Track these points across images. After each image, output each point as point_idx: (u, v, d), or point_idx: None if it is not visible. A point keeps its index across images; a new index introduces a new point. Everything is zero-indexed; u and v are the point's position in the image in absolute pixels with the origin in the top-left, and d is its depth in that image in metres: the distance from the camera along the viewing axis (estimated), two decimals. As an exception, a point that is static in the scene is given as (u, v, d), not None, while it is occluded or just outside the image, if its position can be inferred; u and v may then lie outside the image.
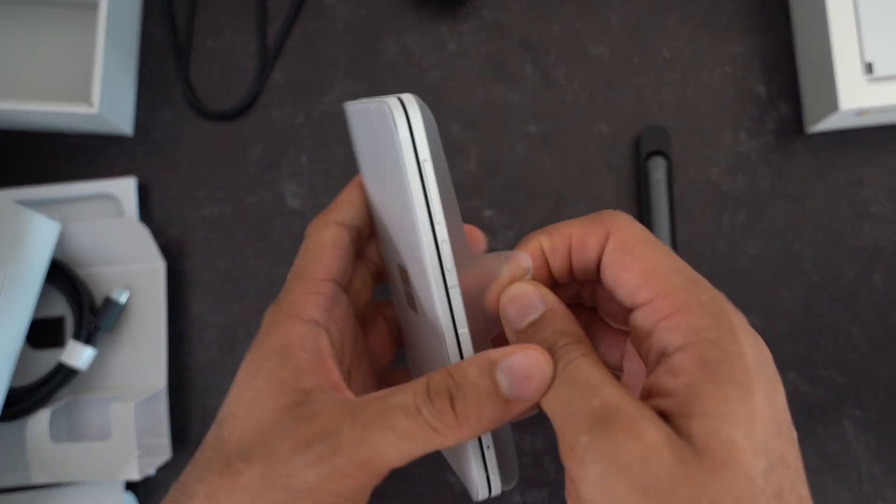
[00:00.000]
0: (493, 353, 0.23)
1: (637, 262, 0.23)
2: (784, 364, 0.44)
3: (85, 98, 0.45)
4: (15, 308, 0.41)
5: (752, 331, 0.22)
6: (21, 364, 0.44)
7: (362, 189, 0.30)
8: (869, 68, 0.42)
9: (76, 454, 0.42)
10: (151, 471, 0.43)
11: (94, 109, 0.43)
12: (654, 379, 0.21)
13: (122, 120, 0.47)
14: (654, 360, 0.22)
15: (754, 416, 0.20)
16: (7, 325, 0.40)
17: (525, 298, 0.24)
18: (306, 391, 0.24)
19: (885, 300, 0.45)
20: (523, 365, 0.22)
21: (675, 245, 0.45)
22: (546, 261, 0.26)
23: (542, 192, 0.47)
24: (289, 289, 0.27)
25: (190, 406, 0.46)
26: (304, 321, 0.26)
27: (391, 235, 0.28)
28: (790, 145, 0.46)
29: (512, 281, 0.25)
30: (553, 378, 0.22)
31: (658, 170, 0.45)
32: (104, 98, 0.44)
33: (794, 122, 0.46)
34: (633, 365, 0.26)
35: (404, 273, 0.27)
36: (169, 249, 0.47)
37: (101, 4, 0.43)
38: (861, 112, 0.42)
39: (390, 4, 0.49)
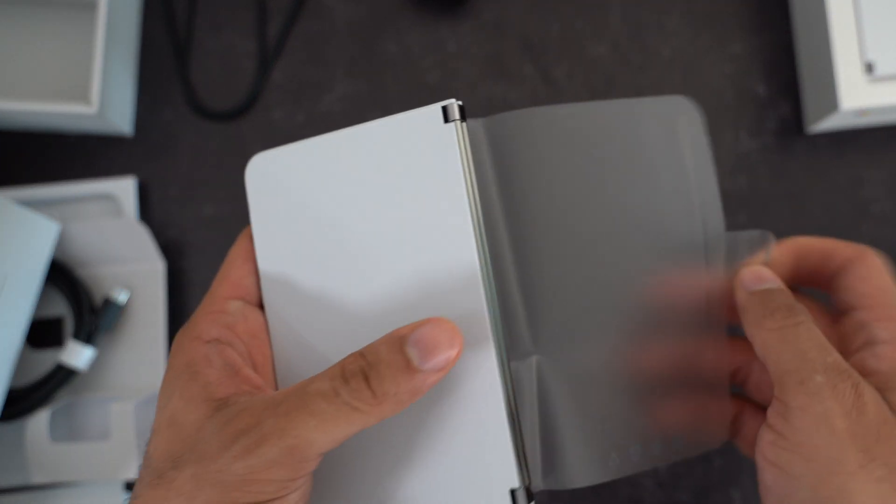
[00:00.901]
0: (402, 330, 0.24)
1: (876, 280, 0.30)
2: (784, 364, 0.44)
3: (84, 98, 0.45)
4: (14, 308, 0.41)
5: None
6: (21, 364, 0.44)
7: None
8: (869, 68, 0.42)
9: (76, 454, 0.42)
10: (151, 471, 0.43)
11: (94, 109, 0.43)
12: (860, 361, 0.28)
13: (121, 120, 0.46)
14: (859, 345, 0.29)
15: None
16: (6, 325, 0.40)
17: (762, 273, 0.30)
18: (222, 399, 0.25)
19: (885, 300, 0.45)
20: (431, 336, 0.23)
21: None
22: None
23: (542, 192, 0.46)
24: (195, 312, 0.29)
25: (190, 406, 0.46)
26: (204, 342, 0.27)
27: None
28: (790, 145, 0.46)
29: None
30: (460, 349, 0.24)
31: (658, 170, 0.45)
32: (104, 98, 0.43)
33: (794, 122, 0.46)
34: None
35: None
36: (169, 249, 0.47)
37: (101, 4, 0.43)
38: (862, 112, 0.42)
39: (390, 4, 0.49)
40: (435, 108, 0.26)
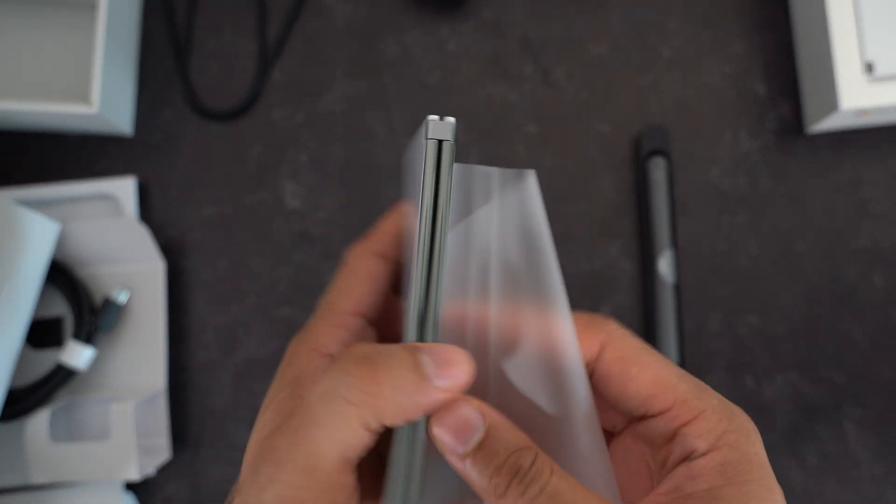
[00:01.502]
0: (419, 344, 0.23)
1: (644, 373, 0.24)
2: (784, 364, 0.44)
3: (84, 98, 0.45)
4: (15, 308, 0.41)
5: (756, 428, 0.24)
6: (21, 364, 0.44)
7: (401, 220, 0.29)
8: (869, 68, 0.42)
9: (76, 454, 0.42)
10: (151, 471, 0.43)
11: (94, 109, 0.43)
12: (675, 482, 0.22)
13: (121, 120, 0.46)
14: (675, 462, 0.23)
15: None
16: (7, 325, 0.40)
17: (459, 415, 0.23)
18: None
19: (885, 300, 0.45)
20: (447, 351, 0.22)
21: (675, 245, 0.44)
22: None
23: (542, 191, 0.46)
24: (314, 319, 0.27)
25: (189, 406, 0.46)
26: (322, 355, 0.26)
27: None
28: (790, 145, 0.46)
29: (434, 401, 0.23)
30: (472, 374, 0.22)
31: (658, 170, 0.45)
32: (104, 98, 0.43)
33: (794, 122, 0.46)
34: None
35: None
36: (169, 249, 0.47)
37: (101, 4, 0.43)
38: (861, 112, 0.42)
39: (390, 4, 0.49)
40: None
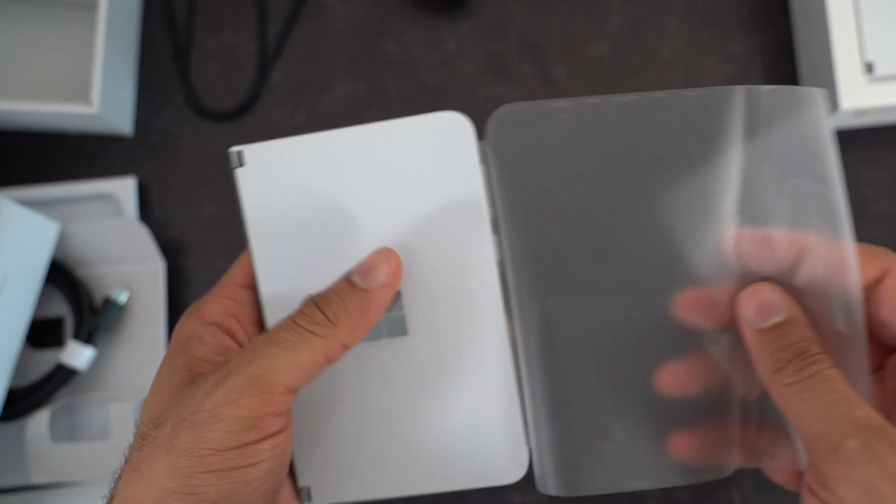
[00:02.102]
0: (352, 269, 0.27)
1: None
2: (784, 364, 0.44)
3: (84, 98, 0.45)
4: (15, 308, 0.41)
5: None
6: (21, 364, 0.44)
7: None
8: (869, 68, 0.42)
9: (76, 454, 0.42)
10: (151, 471, 0.43)
11: (94, 109, 0.43)
12: None
13: (121, 120, 0.46)
14: None
15: None
16: (7, 325, 0.40)
17: (765, 301, 0.25)
18: (203, 373, 0.26)
19: (885, 300, 0.45)
20: (369, 261, 0.26)
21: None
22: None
23: (542, 192, 0.47)
24: (210, 291, 0.29)
25: (190, 406, 0.46)
26: (206, 323, 0.28)
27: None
28: (790, 145, 0.46)
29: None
30: (398, 264, 0.27)
31: (658, 170, 0.45)
32: (104, 98, 0.43)
33: (794, 122, 0.46)
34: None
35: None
36: (169, 249, 0.47)
37: (101, 4, 0.43)
38: (861, 112, 0.42)
39: (390, 4, 0.49)
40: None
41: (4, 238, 0.40)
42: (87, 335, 0.43)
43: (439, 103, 0.47)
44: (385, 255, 0.27)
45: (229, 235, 0.47)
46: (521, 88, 0.47)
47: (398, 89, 0.48)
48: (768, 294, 0.25)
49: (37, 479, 0.42)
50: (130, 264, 0.46)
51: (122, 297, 0.44)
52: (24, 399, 0.42)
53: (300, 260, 0.29)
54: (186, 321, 0.28)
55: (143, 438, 0.24)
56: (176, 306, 0.46)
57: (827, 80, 0.43)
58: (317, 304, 0.25)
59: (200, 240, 0.47)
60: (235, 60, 0.49)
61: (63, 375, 0.43)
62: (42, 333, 0.46)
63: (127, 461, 0.25)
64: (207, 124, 0.48)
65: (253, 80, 0.48)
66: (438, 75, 0.48)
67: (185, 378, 0.25)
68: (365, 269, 0.26)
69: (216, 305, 0.28)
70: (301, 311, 0.25)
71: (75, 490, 0.43)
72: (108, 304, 0.44)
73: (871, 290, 0.26)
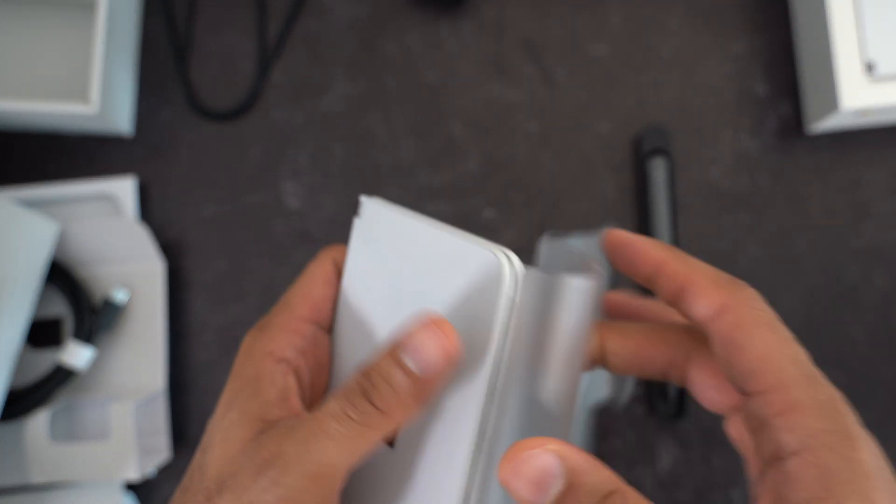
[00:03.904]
0: (399, 338, 0.23)
1: (755, 345, 0.22)
2: (784, 364, 0.44)
3: (84, 98, 0.45)
4: (14, 308, 0.41)
5: (867, 435, 0.21)
6: (21, 364, 0.44)
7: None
8: (870, 68, 0.42)
9: (75, 454, 0.42)
10: (151, 471, 0.43)
11: (93, 109, 0.43)
12: (774, 489, 0.20)
13: (121, 120, 0.46)
14: (768, 455, 0.21)
15: None
16: (6, 325, 0.40)
17: (537, 467, 0.20)
18: (272, 422, 0.25)
19: (885, 300, 0.45)
20: (418, 335, 0.23)
21: (675, 245, 0.45)
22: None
23: (543, 191, 0.47)
24: (271, 320, 0.28)
25: (189, 406, 0.46)
26: (276, 360, 0.27)
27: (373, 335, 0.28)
28: (790, 145, 0.46)
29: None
30: (455, 345, 0.23)
31: (658, 170, 0.45)
32: (103, 98, 0.43)
33: (794, 122, 0.46)
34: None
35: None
36: (168, 249, 0.47)
37: (101, 4, 0.43)
38: (862, 112, 0.42)
39: (390, 4, 0.49)
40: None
41: (4, 238, 0.40)
42: (86, 335, 0.43)
43: (439, 103, 0.47)
44: (436, 329, 0.23)
45: (229, 235, 0.47)
46: (521, 88, 0.47)
47: (398, 89, 0.48)
48: (537, 459, 0.20)
49: (36, 479, 0.42)
50: (130, 264, 0.46)
51: (122, 297, 0.44)
52: (24, 399, 0.42)
53: (360, 320, 0.29)
54: (253, 355, 0.27)
55: (208, 498, 0.24)
56: (176, 306, 0.46)
57: (827, 80, 0.43)
58: (368, 396, 0.23)
59: (200, 240, 0.47)
60: (235, 60, 0.49)
61: (62, 375, 0.43)
62: (42, 333, 0.46)
63: None
64: (207, 124, 0.48)
65: (253, 80, 0.48)
66: (438, 75, 0.48)
67: (255, 429, 0.25)
68: (415, 346, 0.23)
69: (285, 341, 0.27)
70: (351, 402, 0.23)
71: (75, 490, 0.43)
72: (108, 304, 0.44)
73: (706, 324, 0.23)
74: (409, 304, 0.27)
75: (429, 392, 0.24)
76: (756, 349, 0.22)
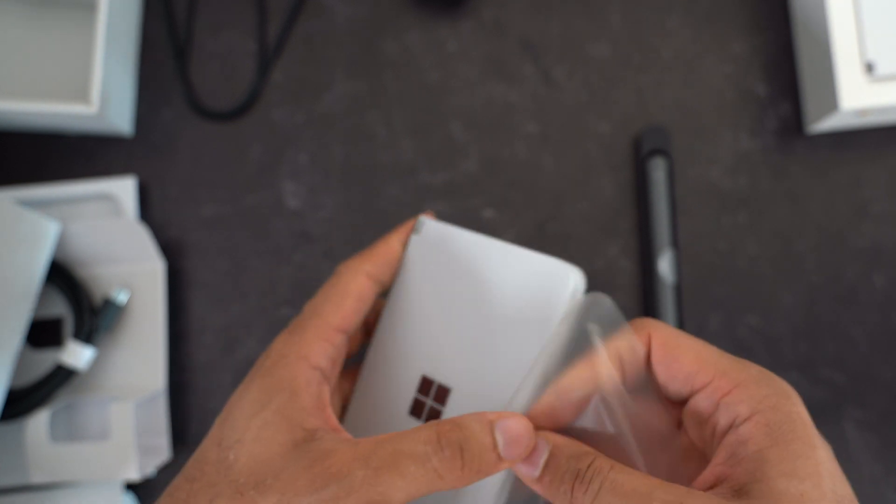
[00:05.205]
0: (490, 415, 0.25)
1: (686, 353, 0.26)
2: (784, 364, 0.44)
3: (84, 98, 0.45)
4: (14, 308, 0.41)
5: (796, 392, 0.25)
6: (21, 364, 0.44)
7: (400, 248, 0.32)
8: (869, 68, 0.42)
9: (75, 454, 0.42)
10: (151, 471, 0.43)
11: (93, 109, 0.43)
12: (728, 450, 0.24)
13: (121, 120, 0.46)
14: (722, 433, 0.25)
15: (820, 467, 0.22)
16: (6, 325, 0.40)
17: (526, 446, 0.25)
18: (311, 430, 0.25)
19: (885, 300, 0.45)
20: (516, 428, 0.25)
21: (675, 245, 0.45)
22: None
23: (542, 191, 0.47)
24: (304, 325, 0.29)
25: (189, 406, 0.46)
26: (312, 367, 0.27)
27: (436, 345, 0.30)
28: (790, 145, 0.46)
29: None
30: (533, 445, 0.25)
31: (658, 170, 0.45)
32: (103, 98, 0.43)
33: (794, 122, 0.46)
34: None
35: (430, 385, 0.30)
36: (168, 249, 0.47)
37: (101, 4, 0.43)
38: (862, 112, 0.42)
39: (390, 4, 0.49)
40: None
41: (4, 238, 0.40)
42: (86, 335, 0.43)
43: (439, 103, 0.47)
44: (529, 431, 0.25)
45: (229, 235, 0.47)
46: (521, 88, 0.47)
47: (398, 89, 0.48)
48: (518, 428, 0.25)
49: (36, 479, 0.42)
50: (130, 264, 0.46)
51: (122, 297, 0.44)
52: (24, 399, 0.42)
53: (416, 326, 0.30)
54: (287, 357, 0.28)
55: (240, 493, 0.24)
56: (176, 306, 0.46)
57: (827, 80, 0.43)
58: (462, 449, 0.24)
59: (200, 240, 0.47)
60: (235, 60, 0.49)
61: (63, 375, 0.43)
62: (42, 333, 0.46)
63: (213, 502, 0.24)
64: (207, 124, 0.48)
65: (253, 80, 0.48)
66: (438, 75, 0.48)
67: (296, 435, 0.25)
68: (511, 436, 0.25)
69: (319, 349, 0.28)
70: (441, 449, 0.24)
71: (75, 490, 0.43)
72: (108, 304, 0.44)
73: (647, 355, 0.27)
74: (478, 312, 0.29)
75: (496, 471, 0.25)
76: (689, 355, 0.26)
